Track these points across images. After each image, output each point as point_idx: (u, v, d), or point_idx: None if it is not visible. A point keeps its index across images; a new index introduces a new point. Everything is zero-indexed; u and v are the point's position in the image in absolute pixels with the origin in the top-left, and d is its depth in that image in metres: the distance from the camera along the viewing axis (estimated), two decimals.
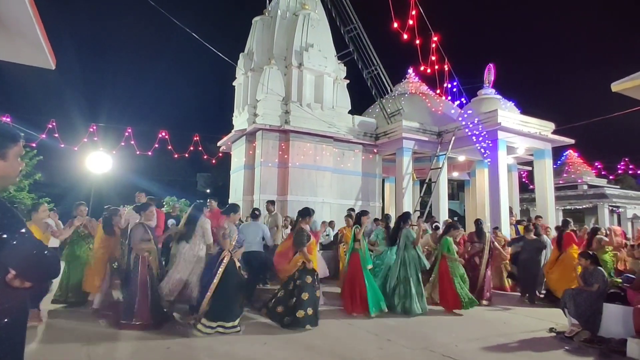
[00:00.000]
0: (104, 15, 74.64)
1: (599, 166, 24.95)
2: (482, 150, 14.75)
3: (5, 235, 1.67)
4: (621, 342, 5.66)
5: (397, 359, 5.17)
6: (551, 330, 6.69)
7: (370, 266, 7.78)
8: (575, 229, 10.26)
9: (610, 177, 25.30)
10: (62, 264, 7.35)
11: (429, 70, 13.22)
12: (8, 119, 12.91)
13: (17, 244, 1.68)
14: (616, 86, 6.20)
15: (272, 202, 10.48)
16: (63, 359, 4.75)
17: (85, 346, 5.08)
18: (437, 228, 10.38)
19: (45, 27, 4.46)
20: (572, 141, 16.15)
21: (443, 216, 15.58)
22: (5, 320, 1.73)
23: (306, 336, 5.95)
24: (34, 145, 14.47)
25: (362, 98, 19.92)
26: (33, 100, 37.45)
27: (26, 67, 5.27)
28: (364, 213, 8.07)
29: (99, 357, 4.81)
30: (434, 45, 12.73)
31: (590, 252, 7.30)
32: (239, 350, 5.23)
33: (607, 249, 9.22)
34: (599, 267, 6.74)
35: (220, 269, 6.01)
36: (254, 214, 8.73)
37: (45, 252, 1.78)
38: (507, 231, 13.35)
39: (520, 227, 12.96)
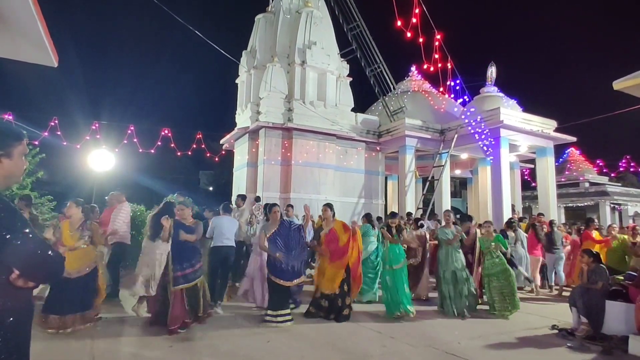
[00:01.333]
0: (107, 12, 74.71)
1: (600, 164, 24.92)
2: (485, 148, 14.74)
3: (9, 235, 1.67)
4: (623, 339, 5.67)
5: (400, 356, 5.18)
6: (554, 327, 6.69)
7: (398, 265, 7.43)
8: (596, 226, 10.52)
9: (612, 175, 25.27)
10: None
11: (432, 69, 13.17)
12: (10, 117, 12.92)
13: (20, 244, 1.69)
14: (618, 84, 6.18)
15: (242, 197, 9.98)
16: (66, 358, 4.76)
17: (89, 344, 5.09)
18: (421, 226, 10.39)
19: (48, 25, 4.46)
20: (574, 139, 16.14)
21: None
22: (10, 319, 1.73)
23: (309, 333, 5.97)
24: (36, 143, 14.43)
25: (365, 96, 19.94)
26: (35, 98, 37.58)
27: (28, 64, 5.27)
28: (393, 215, 8.02)
29: (103, 355, 4.82)
30: (437, 43, 12.69)
31: (592, 251, 7.30)
32: (241, 347, 5.24)
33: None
34: (601, 265, 6.74)
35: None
36: (227, 208, 8.68)
37: (49, 252, 1.79)
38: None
39: (522, 225, 12.97)
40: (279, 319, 6.25)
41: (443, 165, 15.94)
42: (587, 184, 26.69)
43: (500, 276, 7.84)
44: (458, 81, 17.37)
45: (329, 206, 7.50)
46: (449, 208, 16.55)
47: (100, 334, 5.55)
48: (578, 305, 6.50)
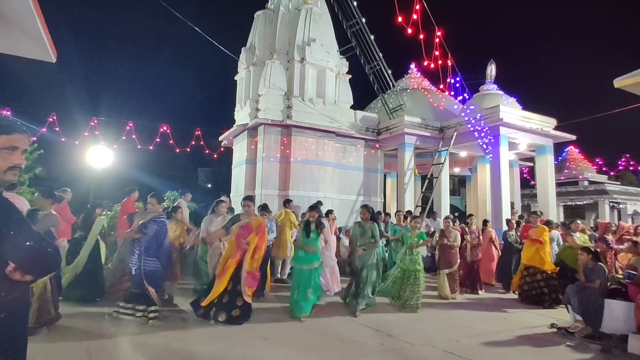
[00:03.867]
0: (105, 8, 74.55)
1: (599, 162, 24.89)
2: (484, 146, 14.73)
3: (3, 228, 1.65)
4: (622, 338, 5.67)
5: (399, 354, 5.17)
6: (552, 326, 6.69)
7: (310, 265, 7.02)
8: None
9: (611, 174, 25.26)
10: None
11: (432, 66, 13.17)
12: (8, 113, 12.88)
13: (15, 236, 1.66)
14: (619, 82, 6.15)
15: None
16: (63, 356, 4.74)
17: (85, 341, 5.07)
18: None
19: (46, 20, 4.43)
20: (574, 137, 16.12)
21: (444, 211, 15.58)
22: (4, 314, 1.70)
23: (307, 331, 5.96)
24: (34, 139, 14.38)
25: (364, 93, 19.90)
26: (34, 94, 37.37)
27: (27, 60, 5.24)
28: (313, 208, 7.55)
29: (99, 353, 4.80)
30: (437, 40, 12.68)
31: (592, 248, 7.30)
32: (239, 344, 5.24)
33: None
34: (600, 263, 6.74)
35: None
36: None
37: (44, 245, 1.76)
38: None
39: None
40: (138, 313, 6.02)
41: (442, 163, 15.92)
42: (586, 183, 26.72)
43: (416, 274, 7.87)
44: (458, 78, 17.37)
45: (250, 199, 6.99)
46: (448, 206, 16.58)
47: (98, 331, 5.53)
48: (572, 303, 6.50)
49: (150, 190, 7.88)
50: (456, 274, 9.24)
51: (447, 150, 15.71)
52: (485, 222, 11.79)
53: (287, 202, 11.13)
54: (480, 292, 9.74)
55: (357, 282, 7.65)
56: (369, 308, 7.48)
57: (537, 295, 8.58)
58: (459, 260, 9.27)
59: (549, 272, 8.72)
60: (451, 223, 9.96)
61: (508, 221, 11.37)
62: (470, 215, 11.23)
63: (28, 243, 1.70)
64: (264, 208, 9.00)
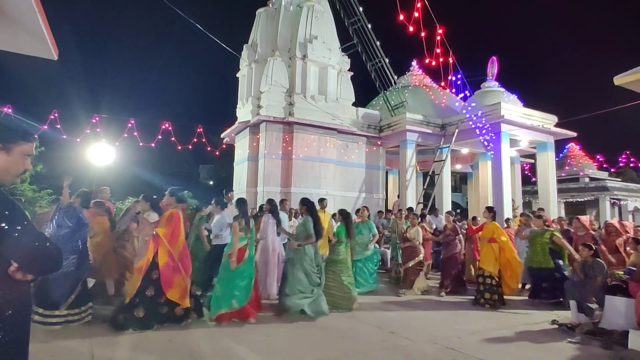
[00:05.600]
0: (107, 4, 74.47)
1: (600, 159, 24.85)
2: (485, 142, 14.74)
3: (6, 227, 1.66)
4: (623, 334, 5.68)
5: (400, 351, 5.18)
6: (553, 322, 6.70)
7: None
8: None
9: (612, 170, 25.23)
10: None
11: (433, 63, 13.18)
12: (10, 110, 12.86)
13: (18, 236, 1.68)
14: (619, 80, 6.13)
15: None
16: (65, 354, 4.73)
17: (87, 340, 5.07)
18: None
19: (47, 17, 4.43)
20: (575, 134, 16.14)
21: (446, 208, 15.59)
22: (9, 311, 1.72)
23: (309, 329, 5.97)
24: (35, 136, 14.36)
25: (365, 90, 19.91)
26: (35, 91, 37.38)
27: (28, 57, 5.24)
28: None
29: (102, 352, 4.79)
30: (438, 38, 12.68)
31: (591, 245, 7.29)
32: (241, 341, 5.24)
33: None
34: (598, 259, 6.74)
35: None
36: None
37: (47, 245, 1.77)
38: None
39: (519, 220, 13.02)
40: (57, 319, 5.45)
41: (444, 160, 15.95)
42: (587, 179, 26.71)
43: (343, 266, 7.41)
44: (459, 76, 17.39)
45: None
46: (450, 203, 16.58)
47: (100, 330, 5.51)
48: (576, 299, 6.51)
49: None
50: (412, 270, 8.86)
51: (448, 147, 15.72)
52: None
53: (320, 201, 10.09)
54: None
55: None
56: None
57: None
58: (420, 257, 8.93)
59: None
60: (415, 221, 9.66)
61: (507, 220, 11.30)
62: (449, 212, 11.05)
63: (31, 243, 1.72)
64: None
